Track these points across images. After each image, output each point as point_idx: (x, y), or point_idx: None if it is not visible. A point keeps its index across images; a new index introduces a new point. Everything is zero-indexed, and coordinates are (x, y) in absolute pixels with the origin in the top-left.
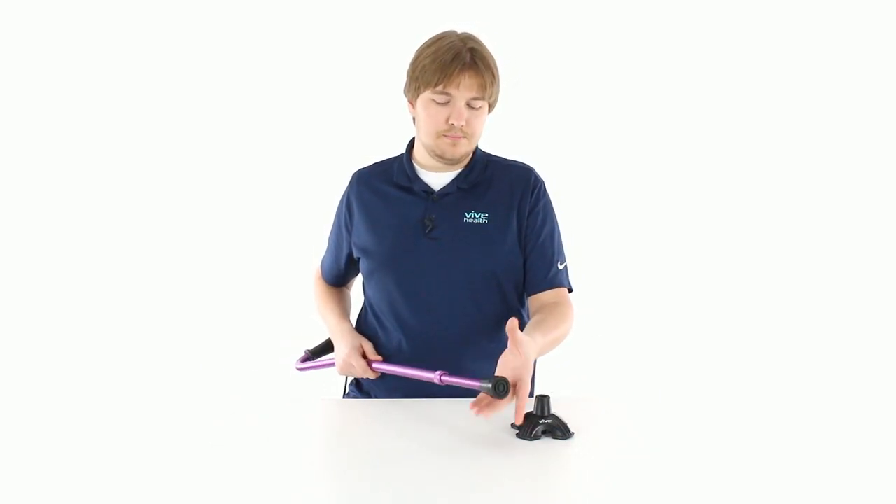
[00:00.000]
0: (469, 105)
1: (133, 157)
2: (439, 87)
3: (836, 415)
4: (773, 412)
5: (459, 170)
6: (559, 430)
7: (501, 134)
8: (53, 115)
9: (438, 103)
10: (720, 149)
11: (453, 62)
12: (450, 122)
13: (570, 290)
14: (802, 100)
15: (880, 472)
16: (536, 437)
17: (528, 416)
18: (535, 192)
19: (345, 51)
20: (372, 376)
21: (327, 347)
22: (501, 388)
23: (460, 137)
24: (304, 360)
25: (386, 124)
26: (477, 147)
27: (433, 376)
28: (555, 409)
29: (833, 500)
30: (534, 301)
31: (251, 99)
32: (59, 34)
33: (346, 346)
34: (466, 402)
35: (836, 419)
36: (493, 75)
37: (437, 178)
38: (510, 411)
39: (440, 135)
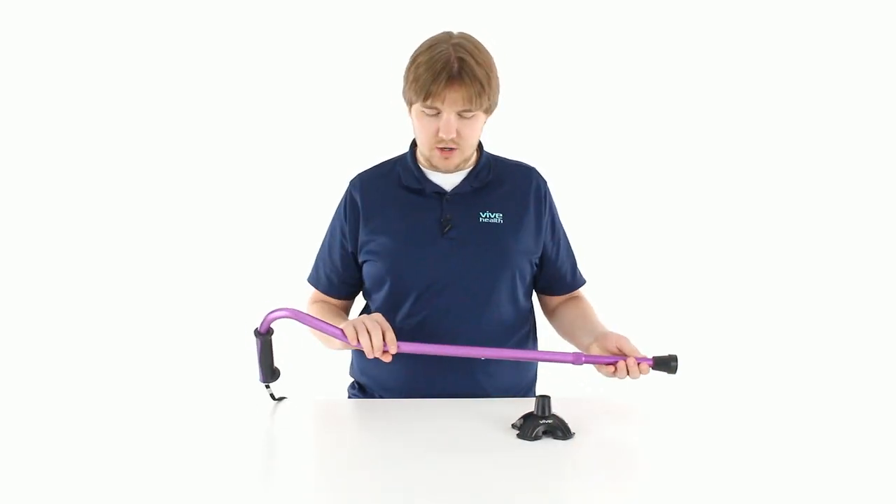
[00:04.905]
0: (460, 115)
1: (131, 161)
2: (427, 102)
3: (836, 415)
4: (773, 412)
5: (468, 169)
6: (559, 430)
7: (504, 134)
8: (54, 116)
9: (428, 115)
10: (720, 150)
11: (439, 76)
12: (439, 135)
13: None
14: (802, 99)
15: (879, 470)
16: (537, 437)
17: (528, 416)
18: (545, 198)
19: (339, 53)
20: (393, 350)
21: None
22: (674, 364)
23: (452, 150)
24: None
25: (380, 126)
26: (482, 148)
27: (569, 358)
28: (555, 409)
29: (833, 499)
30: (551, 299)
31: (251, 100)
32: (59, 35)
33: (372, 315)
34: (467, 403)
35: (837, 420)
36: (483, 85)
37: (446, 178)
38: (510, 411)
39: (432, 147)
